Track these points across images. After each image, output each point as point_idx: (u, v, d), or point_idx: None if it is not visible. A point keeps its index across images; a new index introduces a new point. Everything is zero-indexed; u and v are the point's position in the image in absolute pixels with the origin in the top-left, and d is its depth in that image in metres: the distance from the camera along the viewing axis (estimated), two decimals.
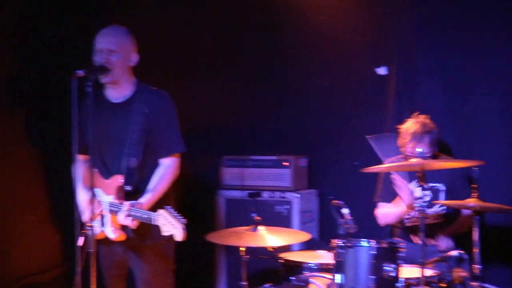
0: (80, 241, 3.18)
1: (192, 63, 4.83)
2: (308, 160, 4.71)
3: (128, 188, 3.22)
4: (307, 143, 4.73)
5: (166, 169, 3.30)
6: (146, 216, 3.10)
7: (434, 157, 3.84)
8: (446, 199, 3.80)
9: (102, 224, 3.23)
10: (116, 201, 3.21)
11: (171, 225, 2.99)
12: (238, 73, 4.84)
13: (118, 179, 3.23)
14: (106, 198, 3.26)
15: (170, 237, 3.11)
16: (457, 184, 3.83)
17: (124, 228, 3.23)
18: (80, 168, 3.32)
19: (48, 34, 4.39)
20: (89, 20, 4.33)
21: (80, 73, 2.97)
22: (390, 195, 3.91)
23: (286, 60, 4.75)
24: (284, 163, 4.55)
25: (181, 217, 3.00)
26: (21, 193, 4.29)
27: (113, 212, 3.22)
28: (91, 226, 3.00)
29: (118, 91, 3.28)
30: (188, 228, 4.55)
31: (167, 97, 3.32)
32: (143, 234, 3.28)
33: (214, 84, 4.84)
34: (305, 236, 3.61)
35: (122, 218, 3.14)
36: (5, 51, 4.15)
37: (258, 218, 3.58)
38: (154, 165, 3.27)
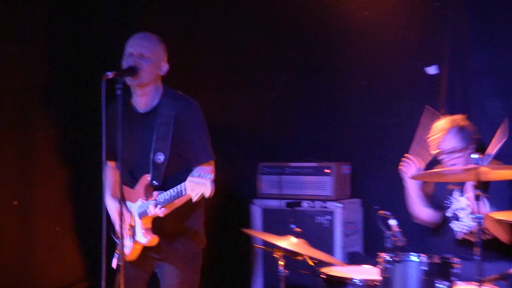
0: (114, 263, 3.37)
1: (227, 66, 4.95)
2: (352, 166, 4.74)
3: (156, 183, 3.34)
4: (350, 149, 4.75)
5: None
6: (174, 192, 3.20)
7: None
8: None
9: (133, 235, 3.36)
10: (144, 201, 3.35)
11: (198, 186, 3.05)
12: (275, 76, 4.92)
13: (145, 178, 3.37)
14: (134, 205, 3.41)
15: (198, 245, 3.37)
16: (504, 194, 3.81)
17: (154, 229, 3.36)
18: (109, 175, 3.50)
19: (80, 39, 4.61)
20: (120, 26, 4.56)
21: (110, 74, 3.08)
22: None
23: (327, 60, 4.82)
24: (325, 170, 4.59)
25: (206, 173, 3.06)
26: (47, 202, 4.47)
27: (143, 215, 3.35)
28: (122, 242, 3.16)
29: (146, 100, 3.39)
30: (222, 238, 4.73)
31: (194, 103, 3.43)
32: (173, 238, 3.42)
33: (250, 88, 4.92)
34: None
35: (153, 210, 3.26)
36: (37, 59, 4.42)
37: (298, 229, 3.64)
38: (186, 172, 3.31)
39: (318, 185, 4.59)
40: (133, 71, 3.26)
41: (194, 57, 4.76)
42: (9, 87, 4.41)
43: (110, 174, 3.53)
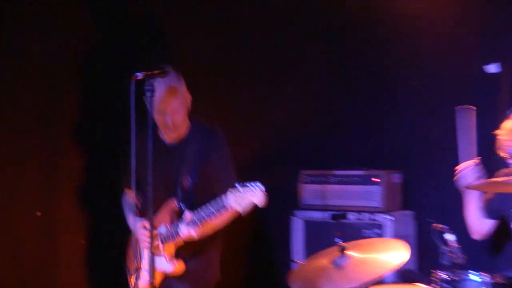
0: None
1: (265, 64, 4.93)
2: (403, 175, 4.63)
3: (184, 206, 3.46)
4: (402, 155, 4.66)
5: None
6: (212, 207, 3.26)
7: None
8: None
9: (153, 264, 3.27)
10: (169, 225, 3.47)
11: (245, 196, 3.12)
12: (318, 75, 4.86)
13: (171, 202, 3.50)
14: (157, 231, 3.49)
15: (212, 277, 3.56)
16: None
17: (180, 255, 3.46)
18: (131, 203, 3.67)
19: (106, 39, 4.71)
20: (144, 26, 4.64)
21: (139, 75, 3.13)
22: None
23: (375, 58, 4.74)
24: (374, 179, 4.50)
25: (252, 182, 3.13)
26: (72, 214, 4.52)
27: (167, 239, 3.46)
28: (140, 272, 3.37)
29: (175, 133, 3.63)
30: (260, 255, 4.69)
31: (220, 135, 3.65)
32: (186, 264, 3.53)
33: (290, 87, 4.90)
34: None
35: (185, 230, 3.33)
36: (60, 61, 4.54)
37: (344, 244, 3.50)
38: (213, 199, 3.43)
39: (365, 196, 4.49)
40: (164, 72, 3.34)
41: (229, 57, 4.77)
42: (33, 93, 4.48)
43: (131, 201, 3.68)
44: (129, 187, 3.54)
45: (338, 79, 4.84)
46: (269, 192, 4.64)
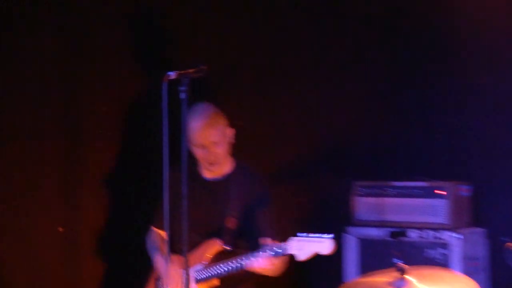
0: None
1: (314, 64, 4.81)
2: (473, 187, 4.44)
3: (228, 248, 3.61)
4: (471, 165, 4.49)
5: None
6: (273, 251, 3.35)
7: None
8: None
9: None
10: (207, 265, 3.61)
11: (310, 245, 3.24)
12: (374, 75, 4.71)
13: (213, 242, 3.64)
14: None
15: None
16: None
17: None
18: (159, 242, 3.77)
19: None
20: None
21: (172, 75, 3.08)
22: None
23: (439, 55, 4.55)
24: (438, 192, 4.30)
25: (320, 233, 3.28)
26: (96, 230, 4.47)
27: (202, 280, 3.58)
28: None
29: (216, 169, 3.74)
30: (307, 277, 4.62)
31: (265, 183, 3.80)
32: None
33: (341, 87, 4.75)
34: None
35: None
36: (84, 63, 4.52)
37: (404, 265, 3.28)
38: (252, 243, 3.62)
39: (429, 210, 4.31)
40: (201, 72, 3.24)
41: (277, 56, 4.68)
42: (58, 99, 4.46)
43: (159, 240, 3.80)
44: (158, 225, 3.70)
45: (397, 77, 4.69)
46: (318, 205, 4.64)
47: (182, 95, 3.02)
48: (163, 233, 3.67)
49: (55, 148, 4.39)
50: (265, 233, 3.64)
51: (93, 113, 4.55)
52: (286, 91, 4.85)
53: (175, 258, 3.53)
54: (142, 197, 4.39)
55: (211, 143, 3.63)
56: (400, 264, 3.29)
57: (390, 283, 3.20)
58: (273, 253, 3.39)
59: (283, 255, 3.36)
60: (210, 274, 3.58)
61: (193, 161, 3.69)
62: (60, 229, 4.37)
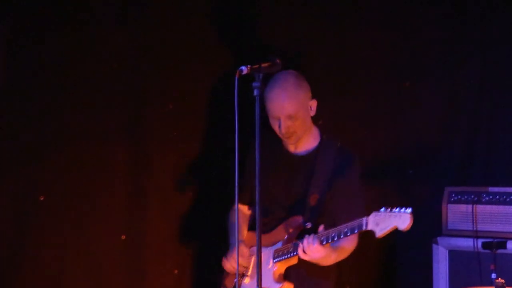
0: None
1: (401, 60, 4.70)
2: None
3: (309, 225, 3.53)
4: None
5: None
6: (350, 226, 3.28)
7: None
8: None
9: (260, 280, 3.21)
10: (286, 243, 3.55)
11: (388, 219, 3.16)
12: (466, 70, 4.55)
13: (295, 219, 3.58)
14: (269, 249, 3.59)
15: None
16: None
17: (290, 277, 3.54)
18: (239, 219, 3.62)
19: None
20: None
21: (244, 69, 3.03)
22: None
23: None
24: None
25: (400, 208, 3.18)
26: (161, 239, 4.39)
27: (281, 257, 3.52)
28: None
29: (301, 143, 3.68)
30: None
31: (355, 159, 3.68)
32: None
33: (431, 83, 4.59)
34: None
35: (310, 246, 3.35)
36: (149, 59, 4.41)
37: (501, 281, 3.33)
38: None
39: None
40: (275, 65, 3.20)
41: (360, 52, 4.57)
42: (122, 100, 4.32)
43: (240, 219, 3.74)
44: (244, 202, 3.69)
45: (493, 72, 4.50)
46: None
47: (256, 92, 2.95)
48: (245, 209, 3.76)
49: (119, 154, 4.32)
50: (349, 216, 3.43)
51: (161, 113, 4.45)
52: (375, 91, 4.71)
53: (253, 236, 3.50)
54: (210, 202, 4.31)
55: (287, 116, 3.53)
56: (500, 281, 3.21)
57: None
58: (350, 228, 3.30)
59: (362, 230, 3.26)
60: (289, 252, 3.47)
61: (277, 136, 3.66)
62: (123, 237, 4.31)
